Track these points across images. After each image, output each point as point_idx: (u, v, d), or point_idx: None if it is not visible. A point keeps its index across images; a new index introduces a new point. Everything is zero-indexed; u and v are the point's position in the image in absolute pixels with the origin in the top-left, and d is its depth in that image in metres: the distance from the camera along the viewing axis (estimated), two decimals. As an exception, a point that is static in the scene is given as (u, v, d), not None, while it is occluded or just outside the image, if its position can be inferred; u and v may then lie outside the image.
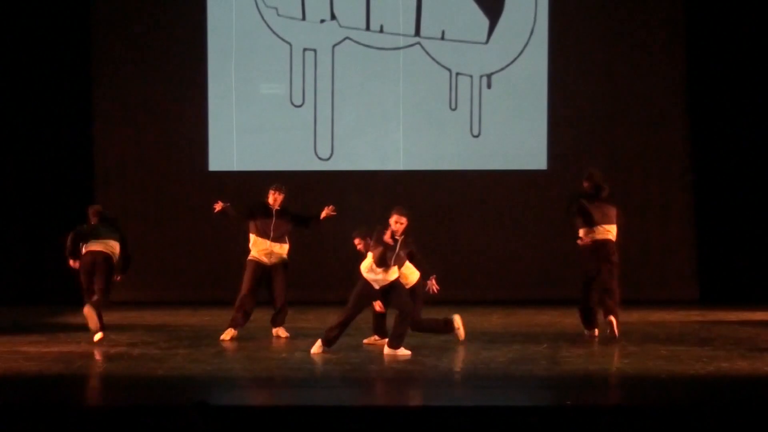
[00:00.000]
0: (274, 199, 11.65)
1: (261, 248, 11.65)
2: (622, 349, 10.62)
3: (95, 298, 11.32)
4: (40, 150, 15.14)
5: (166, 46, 15.38)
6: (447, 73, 15.31)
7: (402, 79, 15.34)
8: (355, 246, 10.99)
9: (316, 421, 7.79)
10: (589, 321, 11.52)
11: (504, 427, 7.69)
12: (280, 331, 11.67)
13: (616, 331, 11.13)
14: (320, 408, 8.09)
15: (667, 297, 14.91)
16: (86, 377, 9.52)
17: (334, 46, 15.34)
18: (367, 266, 10.34)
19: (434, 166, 15.36)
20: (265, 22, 15.35)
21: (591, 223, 11.37)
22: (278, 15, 15.33)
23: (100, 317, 11.22)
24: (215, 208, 11.65)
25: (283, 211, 11.72)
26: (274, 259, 11.68)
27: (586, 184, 11.50)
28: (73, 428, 7.76)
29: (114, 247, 11.61)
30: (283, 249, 11.73)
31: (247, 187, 14.42)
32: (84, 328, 11.67)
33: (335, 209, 11.77)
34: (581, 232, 11.46)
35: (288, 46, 15.37)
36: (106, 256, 11.52)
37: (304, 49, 15.36)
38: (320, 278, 14.97)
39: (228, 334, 11.51)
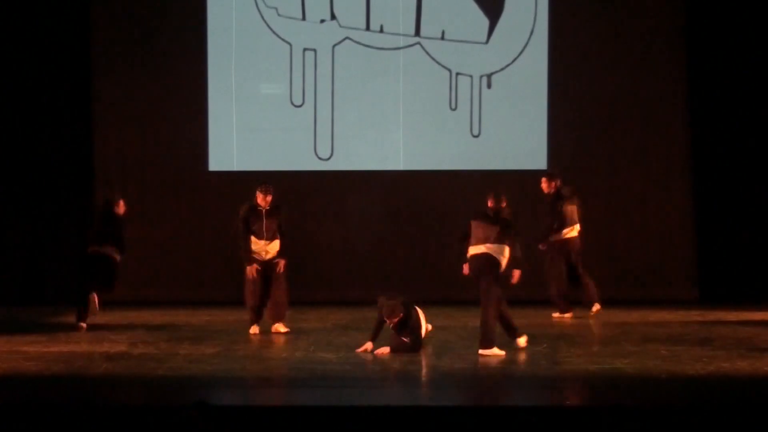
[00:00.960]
0: (263, 199, 11.75)
1: (256, 248, 11.83)
2: (622, 349, 10.62)
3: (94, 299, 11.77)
4: (40, 150, 15.10)
5: (166, 45, 15.36)
6: (447, 73, 15.30)
7: (402, 79, 15.32)
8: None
9: (316, 421, 7.79)
10: (565, 306, 13.10)
11: (504, 427, 7.69)
12: (280, 327, 11.74)
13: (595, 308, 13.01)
14: (320, 408, 8.09)
15: (667, 297, 14.88)
16: (86, 377, 9.52)
17: (334, 46, 15.33)
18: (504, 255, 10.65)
19: (434, 166, 15.34)
20: (265, 22, 15.34)
21: (569, 223, 13.11)
22: (278, 15, 15.31)
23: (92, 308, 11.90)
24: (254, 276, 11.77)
25: (273, 210, 11.86)
26: (269, 256, 11.83)
27: (559, 184, 13.17)
28: (73, 428, 7.76)
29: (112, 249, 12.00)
30: (276, 245, 11.89)
31: (247, 187, 14.39)
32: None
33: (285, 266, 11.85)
34: (562, 233, 13.11)
35: (288, 46, 15.36)
36: (105, 258, 11.92)
37: (304, 49, 15.35)
38: (320, 278, 14.96)
39: (255, 329, 11.81)
